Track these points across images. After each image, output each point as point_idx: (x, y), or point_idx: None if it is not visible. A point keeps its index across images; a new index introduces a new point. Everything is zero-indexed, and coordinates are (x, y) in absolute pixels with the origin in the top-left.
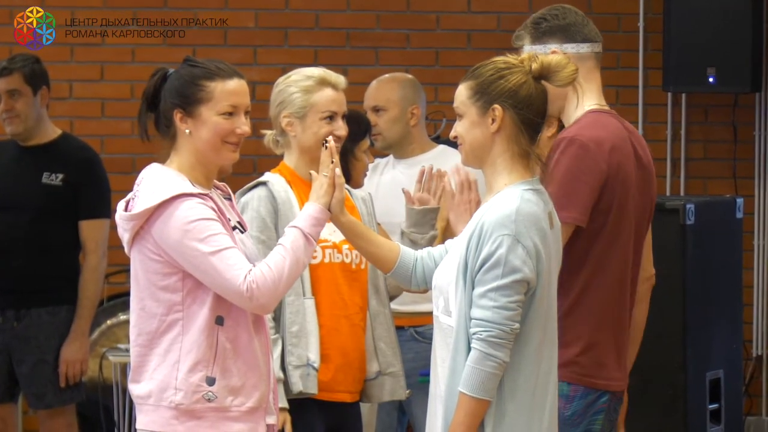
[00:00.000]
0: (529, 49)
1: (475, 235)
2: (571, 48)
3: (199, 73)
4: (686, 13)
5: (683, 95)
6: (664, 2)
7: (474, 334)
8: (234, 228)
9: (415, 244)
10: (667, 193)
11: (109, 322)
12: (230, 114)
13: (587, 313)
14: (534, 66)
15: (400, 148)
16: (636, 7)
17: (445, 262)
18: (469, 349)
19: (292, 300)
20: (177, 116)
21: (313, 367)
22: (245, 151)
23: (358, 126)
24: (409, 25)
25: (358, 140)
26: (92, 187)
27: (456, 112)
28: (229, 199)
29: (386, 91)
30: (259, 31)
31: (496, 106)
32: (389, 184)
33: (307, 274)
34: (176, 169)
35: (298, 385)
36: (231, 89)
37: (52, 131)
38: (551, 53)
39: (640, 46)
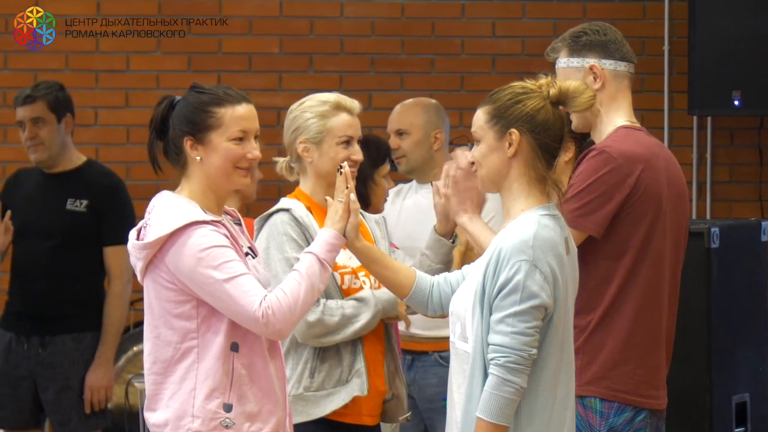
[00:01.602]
0: (565, 61)
1: (493, 260)
2: (609, 64)
3: (208, 100)
4: (711, 37)
5: (708, 118)
6: (689, 26)
7: (492, 359)
8: (246, 254)
9: (425, 269)
10: (693, 217)
11: (135, 348)
12: (240, 139)
13: (616, 328)
14: (552, 91)
15: (422, 173)
16: (661, 30)
17: (462, 288)
18: (485, 375)
19: None
20: (187, 144)
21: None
22: (270, 177)
23: (378, 151)
24: (433, 50)
25: (377, 165)
26: (116, 214)
27: (474, 137)
28: (239, 224)
29: (410, 115)
30: (284, 57)
31: (513, 130)
32: (412, 208)
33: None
34: (187, 196)
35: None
36: (240, 114)
37: (76, 158)
38: (589, 67)
39: (665, 69)
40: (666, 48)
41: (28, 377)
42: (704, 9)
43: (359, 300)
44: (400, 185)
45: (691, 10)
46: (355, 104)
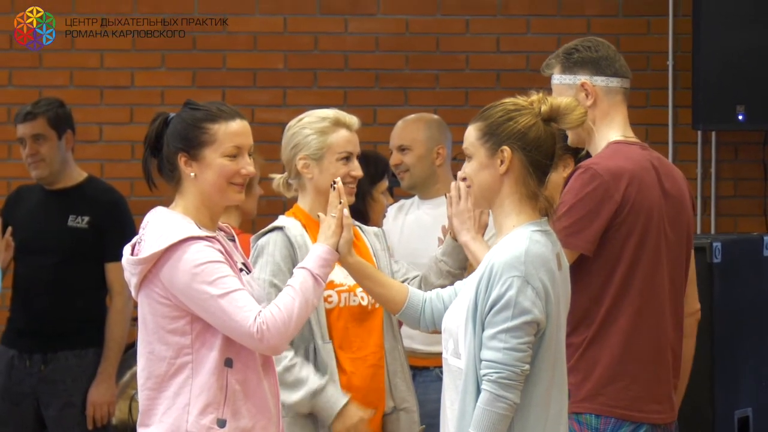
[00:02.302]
0: (558, 78)
1: (485, 276)
2: (600, 81)
3: (201, 116)
4: (715, 51)
5: (713, 133)
6: (693, 40)
7: (484, 375)
8: (240, 270)
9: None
10: (698, 232)
11: None
12: (234, 156)
13: (610, 344)
14: (543, 108)
15: (425, 188)
16: (665, 45)
17: (454, 304)
18: (478, 391)
19: (321, 345)
20: (181, 160)
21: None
22: (273, 192)
23: (376, 167)
24: (438, 66)
25: (376, 181)
26: (118, 230)
27: (465, 153)
28: (233, 240)
29: (412, 130)
30: (288, 73)
31: (505, 147)
32: (414, 224)
33: (323, 318)
34: (182, 212)
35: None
36: (234, 131)
37: (77, 175)
38: (580, 84)
39: (669, 84)
40: (670, 63)
41: (30, 394)
42: (708, 24)
43: (304, 378)
44: (402, 201)
45: (695, 25)
46: (354, 120)
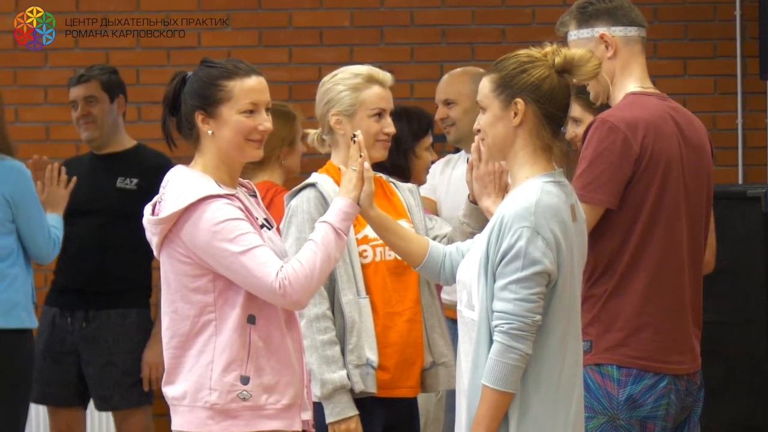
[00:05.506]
0: (575, 33)
1: (496, 228)
2: (619, 31)
3: (217, 74)
4: None
5: None
6: None
7: (496, 326)
8: (262, 226)
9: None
10: None
11: None
12: (251, 112)
13: (631, 295)
14: (557, 60)
15: (471, 142)
16: None
17: (468, 256)
18: (491, 342)
19: (349, 299)
20: (198, 118)
21: (372, 366)
22: (315, 150)
23: (419, 123)
24: (504, 20)
25: (419, 137)
26: None
27: (479, 106)
28: (255, 195)
29: (457, 84)
30: (354, 30)
31: (519, 99)
32: (460, 178)
33: (360, 273)
34: (201, 170)
35: (359, 385)
36: (250, 87)
37: (127, 141)
38: (599, 36)
39: (737, 34)
40: (737, 13)
41: (72, 352)
42: None
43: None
44: (449, 155)
45: None
46: (387, 76)
